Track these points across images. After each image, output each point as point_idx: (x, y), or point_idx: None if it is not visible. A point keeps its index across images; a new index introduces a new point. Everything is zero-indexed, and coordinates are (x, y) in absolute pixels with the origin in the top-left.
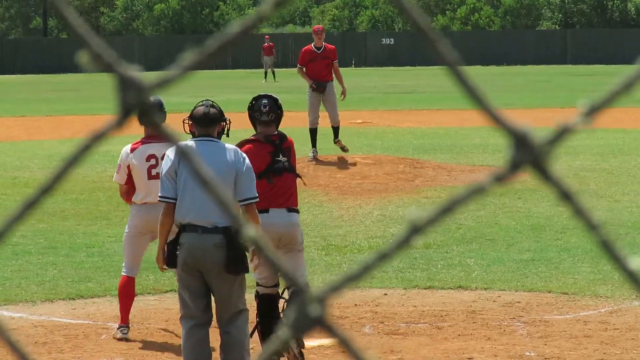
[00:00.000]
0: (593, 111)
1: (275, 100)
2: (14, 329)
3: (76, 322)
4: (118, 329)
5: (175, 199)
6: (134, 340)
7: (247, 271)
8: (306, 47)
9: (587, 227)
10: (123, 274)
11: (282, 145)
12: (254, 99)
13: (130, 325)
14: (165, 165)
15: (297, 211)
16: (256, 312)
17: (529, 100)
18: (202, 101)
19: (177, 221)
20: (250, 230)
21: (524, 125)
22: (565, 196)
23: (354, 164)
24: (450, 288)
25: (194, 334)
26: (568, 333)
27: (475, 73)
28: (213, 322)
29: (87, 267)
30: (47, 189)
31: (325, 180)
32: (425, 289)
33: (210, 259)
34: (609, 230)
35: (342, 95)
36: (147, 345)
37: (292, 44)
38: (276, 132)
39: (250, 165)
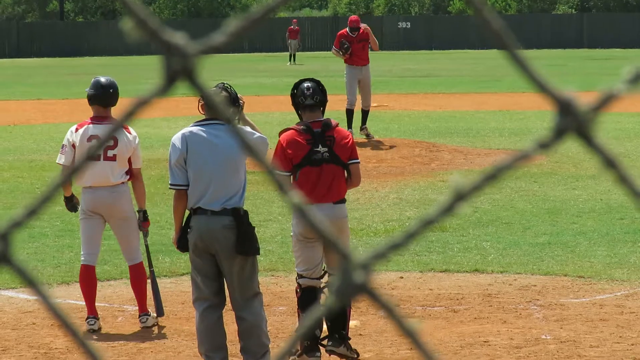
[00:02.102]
0: (638, 78)
1: (318, 82)
2: (31, 312)
3: None
4: (86, 320)
5: (187, 185)
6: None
7: (258, 253)
8: (341, 31)
9: (630, 194)
10: (81, 262)
11: (325, 133)
12: (296, 84)
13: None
14: (173, 155)
15: (343, 201)
16: (297, 304)
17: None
18: (217, 84)
19: (188, 207)
20: (295, 197)
21: (568, 92)
22: (610, 163)
23: (371, 147)
24: (466, 271)
25: (207, 317)
26: (584, 316)
27: (491, 57)
28: (228, 306)
29: (103, 250)
30: (99, 147)
31: None
32: (441, 272)
33: (220, 241)
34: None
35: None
36: (164, 327)
37: (309, 27)
38: (321, 119)
39: (261, 142)
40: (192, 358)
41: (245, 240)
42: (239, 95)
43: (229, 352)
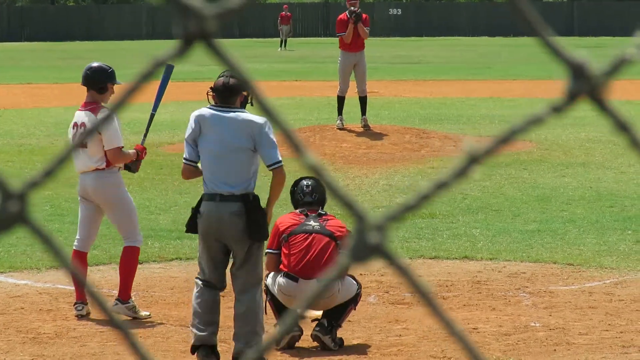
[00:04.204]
0: None
1: (318, 180)
2: (19, 296)
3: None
4: (74, 305)
5: (195, 162)
6: (139, 308)
7: (267, 237)
8: (341, 16)
9: None
10: (74, 247)
11: (319, 217)
12: (296, 181)
13: (87, 302)
14: (187, 131)
15: None
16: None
17: (536, 72)
18: (223, 72)
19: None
20: (310, 158)
21: (581, 56)
22: (622, 127)
23: (360, 134)
24: (456, 258)
25: (204, 294)
26: (573, 304)
27: (483, 44)
28: (229, 292)
29: None
30: (121, 103)
31: (332, 149)
32: (430, 259)
33: (228, 227)
34: (616, 201)
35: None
36: (152, 313)
37: (300, 13)
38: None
39: (271, 132)
40: (181, 343)
41: (256, 225)
42: None
43: (223, 339)
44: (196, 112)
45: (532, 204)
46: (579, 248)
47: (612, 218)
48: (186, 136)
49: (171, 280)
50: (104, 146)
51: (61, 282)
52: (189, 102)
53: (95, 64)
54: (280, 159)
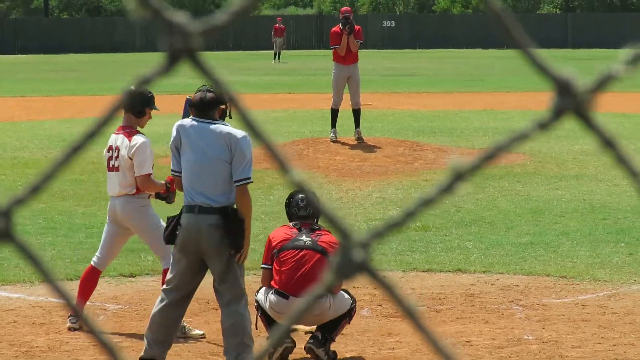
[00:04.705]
0: (636, 59)
1: (313, 194)
2: (12, 310)
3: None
4: (68, 318)
5: (179, 172)
6: (132, 321)
7: (240, 248)
8: (334, 28)
9: (629, 174)
10: (91, 262)
11: (312, 232)
12: (291, 195)
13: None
14: (170, 141)
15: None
16: (256, 305)
17: (529, 84)
18: (200, 86)
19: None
20: (296, 175)
21: (567, 72)
22: (608, 143)
23: (354, 146)
24: (449, 271)
25: (165, 310)
26: (566, 317)
27: (476, 56)
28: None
29: (85, 248)
30: (103, 123)
31: (325, 162)
32: (423, 271)
33: (206, 239)
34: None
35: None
36: (145, 326)
37: (294, 25)
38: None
39: (246, 147)
40: (173, 357)
41: (230, 234)
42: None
43: (216, 352)
44: (178, 122)
45: (526, 216)
46: (572, 261)
47: (605, 230)
48: (170, 145)
49: None
50: (134, 172)
51: (54, 296)
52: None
53: (132, 89)
54: (249, 176)
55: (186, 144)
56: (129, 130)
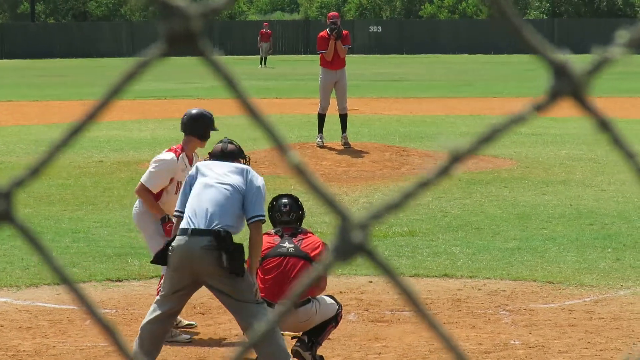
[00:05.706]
0: (631, 42)
1: (296, 199)
2: None
3: (61, 307)
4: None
5: (183, 213)
6: (119, 325)
7: (242, 274)
8: (322, 33)
9: (624, 156)
10: None
11: (294, 237)
12: (274, 199)
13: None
14: (185, 179)
15: (307, 301)
16: None
17: (516, 89)
18: (222, 139)
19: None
20: (294, 158)
21: (564, 55)
22: (604, 126)
23: (341, 151)
24: (436, 276)
25: (156, 324)
26: (553, 322)
27: (463, 62)
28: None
29: (72, 252)
30: (95, 112)
31: (312, 167)
32: (410, 276)
33: (199, 262)
34: (595, 219)
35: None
36: (132, 330)
37: (280, 30)
38: (295, 227)
39: (259, 185)
40: None
41: (225, 256)
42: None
43: (197, 356)
44: (200, 162)
45: (513, 221)
46: (559, 266)
47: (592, 236)
48: (185, 180)
49: (151, 298)
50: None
51: (40, 300)
52: (169, 120)
53: (194, 111)
54: (262, 214)
55: (202, 173)
56: (181, 148)
